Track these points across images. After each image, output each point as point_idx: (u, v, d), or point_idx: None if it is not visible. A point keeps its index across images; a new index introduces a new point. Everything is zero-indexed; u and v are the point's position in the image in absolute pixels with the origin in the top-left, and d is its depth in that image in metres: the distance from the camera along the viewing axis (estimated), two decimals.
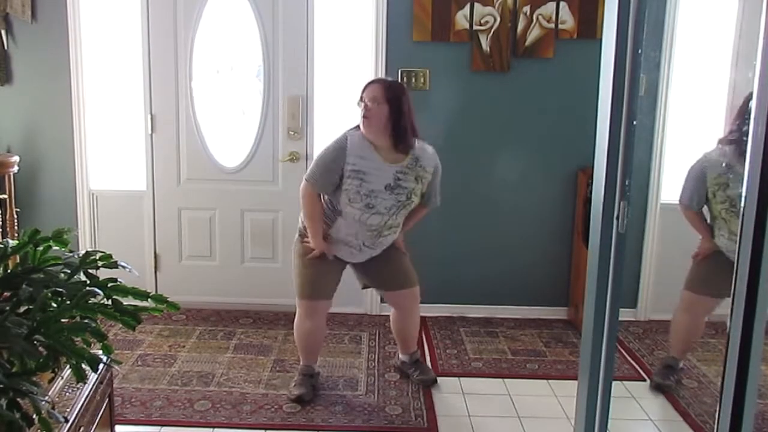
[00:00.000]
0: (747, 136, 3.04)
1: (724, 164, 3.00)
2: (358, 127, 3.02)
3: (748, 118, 3.02)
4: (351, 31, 4.08)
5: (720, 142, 3.08)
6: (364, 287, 3.44)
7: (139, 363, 3.50)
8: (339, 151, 2.97)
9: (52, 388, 2.12)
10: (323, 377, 3.37)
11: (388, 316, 4.19)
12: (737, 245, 1.55)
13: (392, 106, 2.92)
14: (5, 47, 3.99)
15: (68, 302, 1.56)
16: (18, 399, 1.48)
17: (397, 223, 3.09)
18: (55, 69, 4.01)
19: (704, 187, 3.07)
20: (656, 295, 4.20)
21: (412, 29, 3.96)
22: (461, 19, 3.94)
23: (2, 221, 3.76)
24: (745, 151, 3.04)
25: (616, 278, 2.06)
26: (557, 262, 4.23)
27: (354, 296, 3.98)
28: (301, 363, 3.28)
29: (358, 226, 3.02)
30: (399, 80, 3.90)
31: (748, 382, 1.56)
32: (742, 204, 1.53)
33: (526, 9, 3.93)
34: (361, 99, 2.97)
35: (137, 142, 4.14)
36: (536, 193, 4.17)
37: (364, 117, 2.94)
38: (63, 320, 1.55)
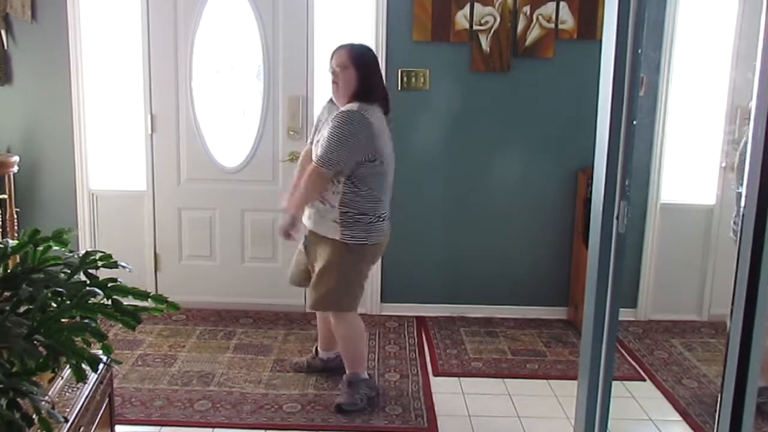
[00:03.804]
0: None
1: None
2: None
3: None
4: (351, 31, 4.07)
5: None
6: None
7: (139, 363, 3.50)
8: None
9: (52, 388, 2.12)
10: (324, 377, 3.38)
11: (388, 315, 4.23)
12: (737, 246, 1.55)
13: (358, 68, 2.95)
14: (5, 47, 3.99)
15: (68, 302, 1.56)
16: (18, 399, 1.48)
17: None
18: (55, 69, 4.01)
19: None
20: (656, 295, 4.21)
21: (412, 29, 3.96)
22: (461, 19, 3.94)
23: (2, 221, 3.76)
24: None
25: (616, 278, 2.06)
26: (557, 262, 4.23)
27: None
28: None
29: None
30: (399, 78, 3.98)
31: (748, 382, 1.56)
32: (743, 204, 1.53)
33: (526, 9, 3.93)
34: (331, 66, 3.02)
35: (137, 142, 4.14)
36: (536, 193, 4.17)
37: (333, 83, 3.00)
38: (63, 320, 1.55)
